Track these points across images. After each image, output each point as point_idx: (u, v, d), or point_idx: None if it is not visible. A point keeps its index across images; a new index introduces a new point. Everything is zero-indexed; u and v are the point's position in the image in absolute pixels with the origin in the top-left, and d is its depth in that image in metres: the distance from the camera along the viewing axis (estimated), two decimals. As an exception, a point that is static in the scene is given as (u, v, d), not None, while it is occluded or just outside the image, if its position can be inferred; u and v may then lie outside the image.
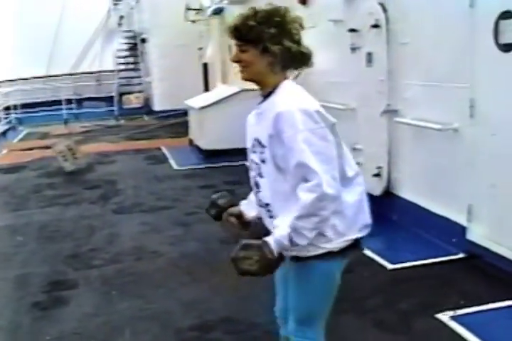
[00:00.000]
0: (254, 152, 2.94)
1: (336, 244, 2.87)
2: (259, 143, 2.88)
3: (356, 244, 2.97)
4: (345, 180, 2.87)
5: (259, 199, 3.00)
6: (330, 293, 3.03)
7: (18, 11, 26.56)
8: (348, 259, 3.00)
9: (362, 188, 2.98)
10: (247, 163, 3.08)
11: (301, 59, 2.90)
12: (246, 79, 2.96)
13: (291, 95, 2.84)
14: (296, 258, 2.93)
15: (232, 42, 2.95)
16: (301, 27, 2.89)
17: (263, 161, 2.88)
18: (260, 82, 2.92)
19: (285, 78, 2.92)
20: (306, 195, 2.66)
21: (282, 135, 2.72)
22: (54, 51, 26.10)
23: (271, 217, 2.94)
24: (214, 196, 3.35)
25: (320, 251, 2.87)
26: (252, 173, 3.01)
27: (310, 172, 2.66)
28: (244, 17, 2.83)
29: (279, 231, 2.69)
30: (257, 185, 2.98)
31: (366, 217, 2.98)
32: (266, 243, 2.68)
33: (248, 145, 3.04)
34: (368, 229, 2.99)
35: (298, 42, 2.86)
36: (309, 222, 2.68)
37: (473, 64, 5.42)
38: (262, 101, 2.95)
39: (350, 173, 2.92)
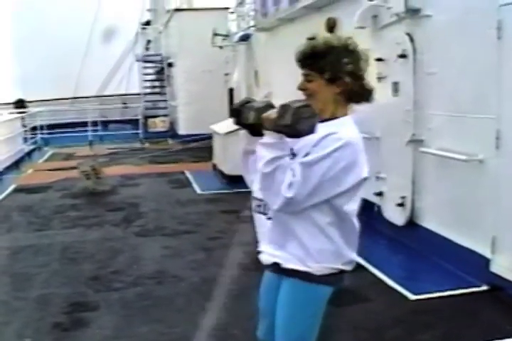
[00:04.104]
0: None
1: (319, 267, 2.88)
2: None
3: (341, 276, 2.98)
4: (341, 215, 2.89)
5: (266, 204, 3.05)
6: (317, 318, 3.00)
7: (47, 33, 27.02)
8: (333, 289, 2.99)
9: (355, 225, 2.97)
10: None
11: (363, 94, 2.97)
12: None
13: (349, 128, 2.87)
14: (277, 268, 2.96)
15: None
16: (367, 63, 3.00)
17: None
18: (322, 111, 2.89)
19: (346, 113, 2.96)
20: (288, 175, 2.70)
21: (313, 148, 2.75)
22: (81, 73, 26.46)
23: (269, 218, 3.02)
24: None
25: (300, 268, 2.89)
26: None
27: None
28: (312, 46, 2.88)
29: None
30: None
31: (352, 253, 2.98)
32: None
33: None
34: (352, 265, 2.99)
35: (362, 78, 2.96)
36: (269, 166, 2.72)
37: (500, 95, 5.42)
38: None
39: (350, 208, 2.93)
